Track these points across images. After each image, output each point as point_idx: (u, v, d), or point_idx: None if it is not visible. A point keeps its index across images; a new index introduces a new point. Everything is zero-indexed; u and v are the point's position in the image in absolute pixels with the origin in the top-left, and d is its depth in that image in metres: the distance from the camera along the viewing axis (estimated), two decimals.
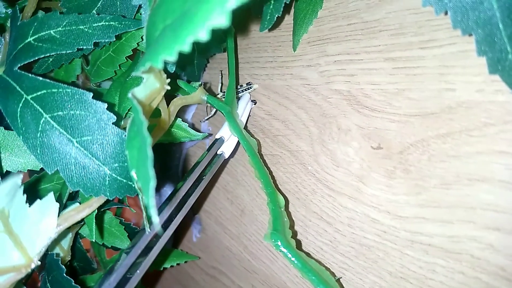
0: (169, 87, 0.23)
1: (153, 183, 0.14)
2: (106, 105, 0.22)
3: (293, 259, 0.26)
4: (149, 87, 0.21)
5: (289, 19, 0.33)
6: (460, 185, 0.23)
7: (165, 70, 0.24)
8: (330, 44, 0.30)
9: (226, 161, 0.41)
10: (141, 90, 0.20)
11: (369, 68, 0.27)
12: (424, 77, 0.24)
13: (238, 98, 0.36)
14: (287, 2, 0.24)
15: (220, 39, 0.33)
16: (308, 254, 0.32)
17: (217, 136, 0.32)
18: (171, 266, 0.44)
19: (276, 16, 0.24)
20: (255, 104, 0.37)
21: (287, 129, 0.34)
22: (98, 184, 0.22)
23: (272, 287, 0.36)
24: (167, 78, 0.29)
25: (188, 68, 0.36)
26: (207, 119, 0.41)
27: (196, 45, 0.32)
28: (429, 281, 0.25)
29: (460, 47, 0.23)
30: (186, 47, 0.15)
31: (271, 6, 0.24)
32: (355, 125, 0.29)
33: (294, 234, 0.33)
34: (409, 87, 0.25)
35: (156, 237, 0.28)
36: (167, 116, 0.26)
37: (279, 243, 0.26)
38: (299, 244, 0.33)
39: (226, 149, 0.32)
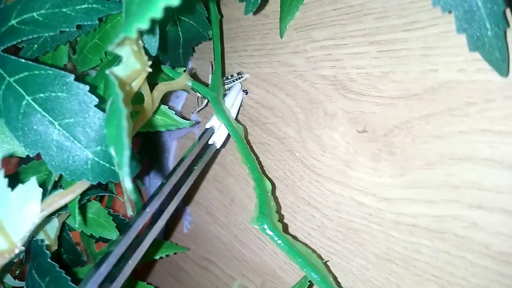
0: (150, 69, 0.22)
1: (127, 152, 0.14)
2: (88, 87, 0.22)
3: (279, 242, 0.26)
4: (129, 67, 0.21)
5: (276, 6, 0.33)
6: (443, 165, 0.23)
7: (148, 54, 0.24)
8: (316, 29, 0.30)
9: (217, 151, 0.41)
10: (120, 69, 0.20)
11: (354, 53, 0.28)
12: (408, 59, 0.25)
13: (229, 88, 0.36)
14: None
15: (205, 26, 0.33)
16: (296, 240, 0.33)
17: (207, 126, 0.32)
18: (161, 258, 0.44)
19: None
20: (246, 94, 0.37)
21: (275, 116, 0.34)
22: (80, 168, 0.22)
23: (262, 275, 0.36)
24: (151, 66, 0.29)
25: (173, 57, 0.35)
26: (198, 111, 0.41)
27: (181, 31, 0.32)
28: (414, 262, 0.25)
29: (442, 28, 0.23)
30: (158, 13, 0.15)
31: None
32: (341, 109, 0.29)
33: (281, 218, 0.33)
34: (393, 70, 0.25)
35: (148, 227, 0.28)
36: (150, 101, 0.26)
37: (266, 226, 0.26)
38: (286, 228, 0.33)
39: (217, 139, 0.32)
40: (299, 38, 0.31)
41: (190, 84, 0.30)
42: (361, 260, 0.28)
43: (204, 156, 0.31)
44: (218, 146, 0.32)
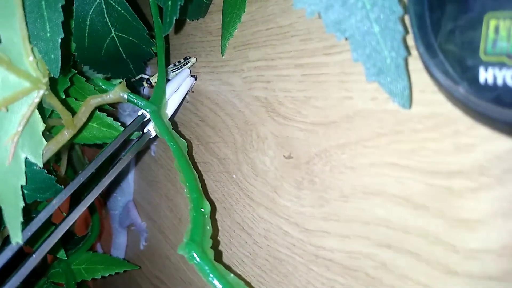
0: (45, 86, 0.22)
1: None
2: None
3: (208, 271, 0.24)
4: (7, 88, 0.20)
5: (220, 24, 0.32)
6: (356, 198, 0.22)
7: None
8: (252, 49, 0.29)
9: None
10: None
11: (282, 75, 0.26)
12: (328, 85, 0.23)
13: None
14: (181, 4, 0.23)
15: (148, 43, 0.32)
16: (230, 267, 0.31)
17: (139, 113, 0.31)
18: (110, 275, 0.44)
19: (174, 18, 0.23)
20: (195, 79, 0.35)
21: (217, 136, 0.33)
22: None
23: None
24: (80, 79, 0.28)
25: (126, 74, 0.35)
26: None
27: (124, 48, 0.32)
28: None
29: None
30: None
31: (169, 8, 0.23)
32: (271, 133, 0.27)
33: (216, 244, 0.32)
34: (315, 95, 0.24)
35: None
36: (69, 119, 0.25)
37: (194, 254, 0.25)
38: (219, 255, 0.32)
39: (152, 128, 0.31)
40: (238, 57, 0.30)
41: (126, 96, 0.29)
42: None
43: (135, 145, 0.30)
44: (152, 135, 0.31)
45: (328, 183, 0.23)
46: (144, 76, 0.38)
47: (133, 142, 0.31)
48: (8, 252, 0.25)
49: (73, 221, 0.27)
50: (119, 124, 0.34)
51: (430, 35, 0.16)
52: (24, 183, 0.23)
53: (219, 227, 0.32)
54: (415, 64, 0.19)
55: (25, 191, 0.24)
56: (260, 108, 0.28)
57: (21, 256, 0.43)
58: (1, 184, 0.22)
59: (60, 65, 0.22)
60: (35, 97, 0.22)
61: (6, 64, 0.20)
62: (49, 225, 0.39)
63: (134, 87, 0.38)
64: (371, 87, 0.21)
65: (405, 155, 0.19)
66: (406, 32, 0.18)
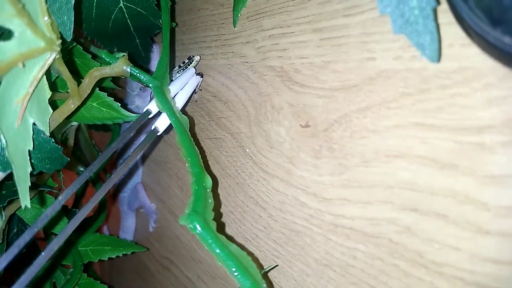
0: (58, 48, 0.21)
1: None
2: None
3: (210, 241, 0.24)
4: (25, 43, 0.19)
5: None
6: (379, 162, 0.21)
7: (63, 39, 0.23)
8: (266, 17, 0.28)
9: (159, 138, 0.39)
10: (11, 45, 0.19)
11: (299, 41, 0.26)
12: (348, 47, 0.23)
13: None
14: None
15: (156, 14, 0.31)
16: (244, 243, 0.31)
17: (144, 110, 0.30)
18: (125, 255, 0.43)
19: None
20: (202, 77, 0.35)
21: (229, 110, 0.32)
22: None
23: (214, 277, 0.35)
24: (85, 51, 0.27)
25: (131, 48, 0.34)
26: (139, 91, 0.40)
27: (132, 20, 0.31)
28: (350, 269, 0.23)
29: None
30: None
31: None
32: (286, 102, 0.27)
33: (219, 216, 0.31)
34: (334, 59, 0.23)
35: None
36: (75, 88, 0.24)
37: (197, 225, 0.25)
38: (222, 228, 0.31)
39: (160, 125, 0.30)
40: (251, 27, 0.30)
41: (129, 69, 0.28)
42: (302, 265, 0.26)
43: (143, 142, 0.29)
44: (160, 132, 0.31)
45: (348, 149, 0.23)
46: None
47: (141, 140, 0.30)
48: (15, 249, 0.24)
49: (82, 218, 0.26)
50: (119, 105, 0.33)
51: None
52: (31, 148, 0.23)
53: (232, 203, 0.32)
54: (443, 17, 0.18)
55: (32, 161, 0.24)
56: (275, 78, 0.28)
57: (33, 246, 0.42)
58: (11, 146, 0.21)
59: (72, 28, 0.22)
60: (48, 58, 0.21)
61: (27, 18, 0.19)
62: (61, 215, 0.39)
63: (137, 63, 0.37)
64: (395, 46, 0.20)
65: (431, 113, 0.19)
66: None
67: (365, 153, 0.22)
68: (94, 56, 0.33)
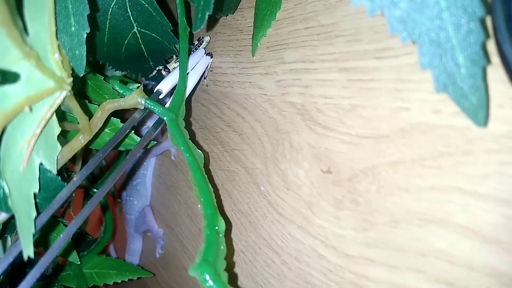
0: (69, 87, 0.19)
1: None
2: None
3: None
4: (32, 86, 0.18)
5: (251, 21, 0.30)
6: (410, 225, 0.19)
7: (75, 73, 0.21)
8: (288, 50, 0.26)
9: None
10: (18, 88, 0.17)
11: (323, 79, 0.24)
12: (379, 92, 0.21)
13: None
14: None
15: (171, 40, 0.30)
16: (256, 285, 0.29)
17: (156, 89, 0.29)
18: (130, 281, 0.42)
19: (207, 14, 0.21)
20: (211, 57, 0.34)
21: (244, 143, 0.31)
22: None
23: None
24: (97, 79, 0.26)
25: (145, 71, 0.33)
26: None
27: (146, 46, 0.29)
28: None
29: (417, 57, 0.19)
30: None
31: (202, 3, 0.21)
32: (306, 143, 0.25)
33: (231, 266, 0.29)
34: (362, 103, 0.21)
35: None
36: (86, 124, 0.23)
37: (207, 277, 0.23)
38: (234, 279, 0.29)
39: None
40: (271, 58, 0.28)
41: (143, 102, 0.27)
42: None
43: (150, 130, 0.28)
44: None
45: (375, 204, 0.20)
46: (160, 66, 0.36)
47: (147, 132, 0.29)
48: (9, 258, 0.23)
49: (82, 221, 0.25)
50: (133, 131, 0.31)
51: None
52: (37, 191, 0.21)
53: (244, 243, 0.30)
54: (494, 73, 0.16)
55: (37, 200, 0.22)
56: (295, 115, 0.26)
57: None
58: (14, 192, 0.20)
59: (85, 62, 0.20)
60: (57, 98, 0.20)
61: (35, 60, 0.18)
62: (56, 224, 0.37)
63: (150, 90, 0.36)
64: (435, 98, 0.18)
65: (475, 180, 0.17)
66: (487, 36, 0.15)
67: (395, 212, 0.20)
68: (105, 77, 0.32)
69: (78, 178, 0.25)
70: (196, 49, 0.34)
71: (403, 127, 0.19)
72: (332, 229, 0.23)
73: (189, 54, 0.33)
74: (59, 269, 0.45)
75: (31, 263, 0.41)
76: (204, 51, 0.35)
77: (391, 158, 0.20)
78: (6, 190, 0.19)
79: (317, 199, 0.24)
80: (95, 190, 0.46)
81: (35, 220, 0.22)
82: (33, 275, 0.24)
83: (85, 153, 0.44)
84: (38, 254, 0.43)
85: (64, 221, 0.35)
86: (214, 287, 0.23)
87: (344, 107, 0.22)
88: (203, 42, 0.34)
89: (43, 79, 0.18)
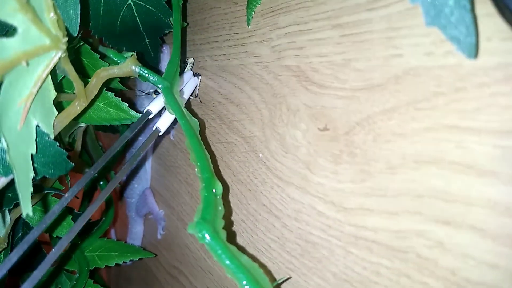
0: (65, 46, 0.20)
1: None
2: None
3: (219, 252, 0.22)
4: (30, 41, 0.18)
5: None
6: (406, 168, 0.19)
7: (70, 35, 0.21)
8: (282, 14, 0.27)
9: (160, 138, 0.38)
10: (15, 41, 0.17)
11: (317, 39, 0.24)
12: (371, 43, 0.21)
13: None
14: None
15: (166, 12, 0.30)
16: (256, 253, 0.29)
17: (144, 110, 0.29)
18: (133, 262, 0.42)
19: None
20: (199, 77, 0.35)
21: (242, 113, 0.31)
22: None
23: None
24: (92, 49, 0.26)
25: (140, 48, 0.33)
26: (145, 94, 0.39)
27: (141, 18, 0.30)
28: (373, 285, 0.21)
29: (408, 4, 0.19)
30: None
31: None
32: (303, 104, 0.25)
33: (230, 225, 0.30)
34: (356, 56, 0.22)
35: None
36: (81, 88, 0.23)
37: (206, 234, 0.23)
38: (233, 237, 0.29)
39: (162, 125, 0.29)
40: (266, 25, 0.28)
41: (137, 70, 0.27)
42: (318, 279, 0.24)
43: (146, 142, 0.28)
44: (161, 132, 0.29)
45: (372, 154, 0.21)
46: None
47: (143, 140, 0.29)
48: (24, 245, 0.23)
49: (90, 215, 0.25)
50: (127, 105, 0.31)
51: None
52: (34, 152, 0.21)
53: (244, 211, 0.30)
54: (481, 8, 0.16)
55: (35, 165, 0.23)
56: (290, 78, 0.26)
57: (37, 250, 0.41)
58: (13, 149, 0.20)
59: (79, 22, 0.21)
60: (53, 57, 0.20)
61: (31, 14, 0.18)
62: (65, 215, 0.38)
63: (147, 63, 0.36)
64: (426, 41, 0.18)
65: (468, 115, 0.17)
66: None
67: (391, 158, 0.20)
68: (102, 56, 0.32)
69: (69, 194, 0.25)
70: (182, 71, 0.35)
71: (396, 74, 0.20)
72: (330, 184, 0.23)
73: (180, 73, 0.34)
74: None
75: (39, 254, 0.41)
76: (192, 73, 0.35)
77: (386, 106, 0.20)
78: (4, 145, 0.19)
79: (314, 157, 0.24)
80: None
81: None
82: (42, 268, 0.24)
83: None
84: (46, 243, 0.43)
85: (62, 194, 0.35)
86: (212, 244, 0.23)
87: (338, 63, 0.23)
88: (187, 64, 0.35)
89: (39, 36, 0.19)
